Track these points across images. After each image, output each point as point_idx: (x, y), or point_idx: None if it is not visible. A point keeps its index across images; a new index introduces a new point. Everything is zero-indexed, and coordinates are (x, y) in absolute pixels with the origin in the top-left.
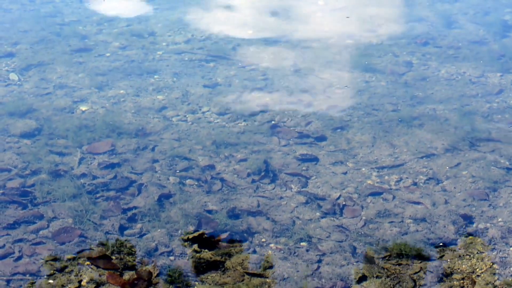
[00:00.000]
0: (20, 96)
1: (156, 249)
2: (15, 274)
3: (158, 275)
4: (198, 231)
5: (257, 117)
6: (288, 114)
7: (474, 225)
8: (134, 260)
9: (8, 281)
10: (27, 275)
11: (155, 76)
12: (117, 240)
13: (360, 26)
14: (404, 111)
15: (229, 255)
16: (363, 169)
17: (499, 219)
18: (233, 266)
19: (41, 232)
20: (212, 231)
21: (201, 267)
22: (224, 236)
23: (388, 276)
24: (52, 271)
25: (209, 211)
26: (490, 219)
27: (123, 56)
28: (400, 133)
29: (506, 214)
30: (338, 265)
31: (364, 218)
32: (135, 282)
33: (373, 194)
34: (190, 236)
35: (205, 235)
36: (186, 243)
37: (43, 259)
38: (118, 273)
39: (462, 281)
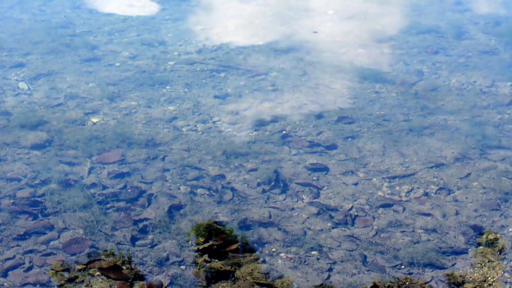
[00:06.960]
0: (31, 107)
1: (167, 259)
2: (25, 284)
3: (169, 284)
4: (208, 242)
5: (267, 126)
6: (299, 124)
7: (485, 235)
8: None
9: None
10: (38, 286)
11: (167, 87)
12: (128, 250)
13: (371, 35)
14: (415, 121)
15: (239, 265)
16: (374, 179)
17: (510, 229)
18: (243, 275)
19: (51, 243)
20: (222, 241)
21: (212, 277)
22: (234, 246)
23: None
24: (62, 281)
25: (220, 223)
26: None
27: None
28: (410, 142)
29: None
30: (349, 273)
31: (375, 228)
32: None
33: (384, 205)
34: (201, 247)
35: (215, 246)
36: (196, 253)
37: (53, 268)
38: (129, 283)
39: None
